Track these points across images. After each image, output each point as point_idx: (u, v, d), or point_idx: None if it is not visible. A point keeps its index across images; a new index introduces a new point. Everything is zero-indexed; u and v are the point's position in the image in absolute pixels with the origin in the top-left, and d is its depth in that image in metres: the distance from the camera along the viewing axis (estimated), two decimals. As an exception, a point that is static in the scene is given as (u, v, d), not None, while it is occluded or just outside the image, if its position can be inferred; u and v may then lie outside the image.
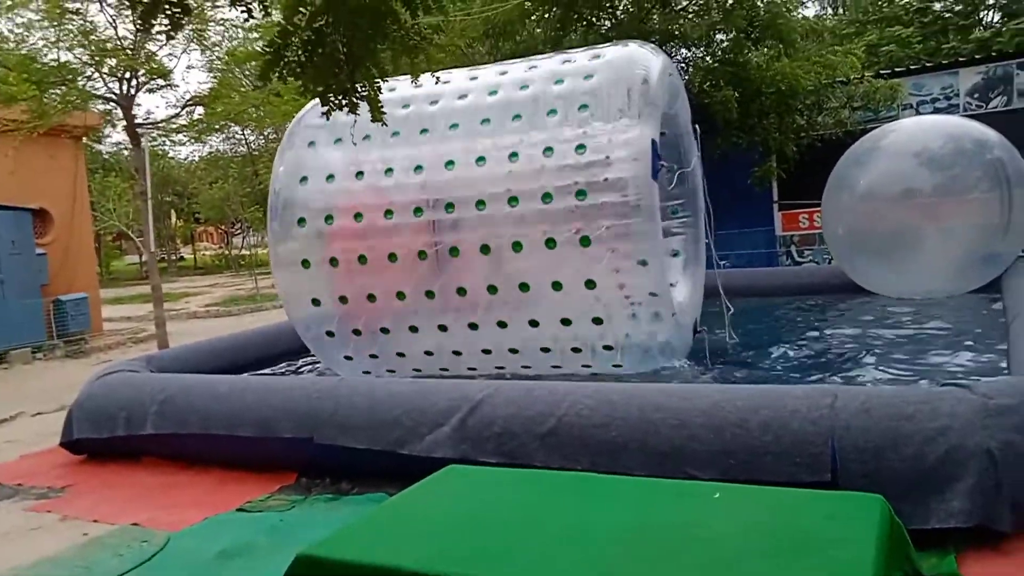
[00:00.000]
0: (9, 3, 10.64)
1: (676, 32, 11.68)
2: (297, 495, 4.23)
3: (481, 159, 5.69)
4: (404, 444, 4.13)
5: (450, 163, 5.78)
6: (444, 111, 5.97)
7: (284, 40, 3.13)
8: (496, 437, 3.92)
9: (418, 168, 5.81)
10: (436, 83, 5.33)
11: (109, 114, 14.22)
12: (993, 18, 23.36)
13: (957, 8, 23.73)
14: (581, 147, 5.35)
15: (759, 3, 11.66)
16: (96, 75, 10.54)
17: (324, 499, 4.14)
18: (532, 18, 12.44)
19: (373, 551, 2.52)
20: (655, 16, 12.00)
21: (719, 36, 12.09)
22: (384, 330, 6.05)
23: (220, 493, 4.35)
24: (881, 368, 5.74)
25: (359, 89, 3.32)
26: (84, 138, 14.81)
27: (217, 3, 10.31)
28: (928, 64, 15.62)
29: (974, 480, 2.98)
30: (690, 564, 2.25)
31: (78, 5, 10.00)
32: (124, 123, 11.07)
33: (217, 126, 14.11)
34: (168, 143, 25.35)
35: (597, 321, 5.46)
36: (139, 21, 3.05)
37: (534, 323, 5.62)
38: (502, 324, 5.71)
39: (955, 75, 12.59)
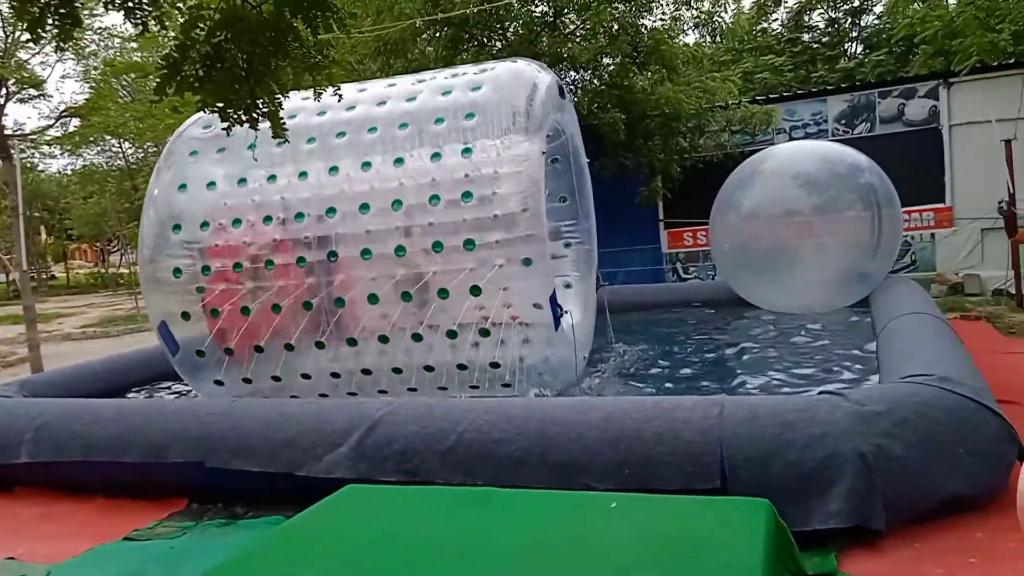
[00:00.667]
0: None
1: (565, 55, 11.94)
2: (188, 521, 4.04)
3: (367, 164, 5.61)
4: (300, 466, 4.03)
5: (334, 168, 5.67)
6: (330, 122, 5.89)
7: (182, 54, 3.04)
8: (396, 455, 3.88)
9: (301, 176, 5.72)
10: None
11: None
12: (856, 49, 25.15)
13: (824, 40, 25.47)
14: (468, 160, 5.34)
15: (643, 30, 12.08)
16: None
17: (217, 524, 3.96)
18: (423, 36, 12.47)
19: (271, 575, 2.48)
20: (544, 39, 12.26)
21: (606, 60, 12.41)
22: (258, 348, 5.85)
23: (104, 523, 4.11)
24: (764, 377, 6.01)
25: (259, 105, 3.26)
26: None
27: (95, 12, 9.86)
28: (799, 91, 16.60)
29: (850, 483, 3.13)
30: (586, 574, 2.32)
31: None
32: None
33: (93, 138, 13.46)
34: (38, 155, 24.11)
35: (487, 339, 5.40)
36: (26, 30, 2.90)
37: (417, 337, 5.53)
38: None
39: (824, 102, 13.33)
